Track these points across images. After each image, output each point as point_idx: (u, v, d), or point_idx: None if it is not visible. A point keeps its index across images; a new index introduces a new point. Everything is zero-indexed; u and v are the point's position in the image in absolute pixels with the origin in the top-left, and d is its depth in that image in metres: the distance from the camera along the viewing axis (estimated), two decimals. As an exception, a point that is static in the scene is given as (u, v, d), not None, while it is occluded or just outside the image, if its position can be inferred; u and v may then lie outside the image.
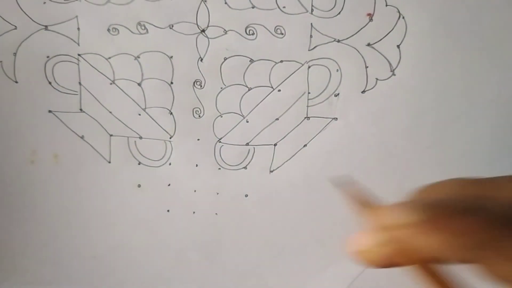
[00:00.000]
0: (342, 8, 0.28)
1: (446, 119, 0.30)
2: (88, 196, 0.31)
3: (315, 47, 0.29)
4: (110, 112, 0.30)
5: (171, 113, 0.30)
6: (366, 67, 0.29)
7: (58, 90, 0.29)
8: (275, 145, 0.30)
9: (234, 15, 0.28)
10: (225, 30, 0.29)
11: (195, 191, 0.31)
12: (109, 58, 0.29)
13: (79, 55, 0.29)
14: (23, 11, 0.28)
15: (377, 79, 0.29)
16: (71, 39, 0.29)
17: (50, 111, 0.30)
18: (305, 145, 0.30)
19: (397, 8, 0.28)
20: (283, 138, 0.30)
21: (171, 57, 0.29)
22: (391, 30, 0.28)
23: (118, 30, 0.29)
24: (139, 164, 0.31)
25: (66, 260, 0.31)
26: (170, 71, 0.29)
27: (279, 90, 0.30)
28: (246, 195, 0.31)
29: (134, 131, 0.30)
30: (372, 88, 0.29)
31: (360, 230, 0.17)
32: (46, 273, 0.32)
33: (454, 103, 0.29)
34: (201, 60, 0.29)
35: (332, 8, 0.28)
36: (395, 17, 0.28)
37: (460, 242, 0.15)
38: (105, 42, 0.29)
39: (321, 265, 0.31)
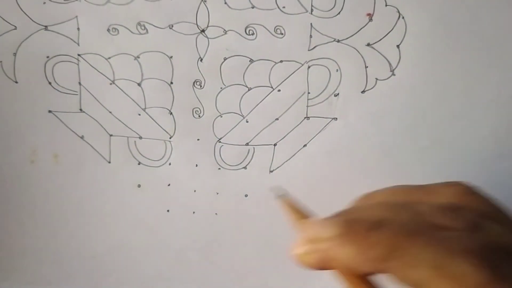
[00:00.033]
0: (342, 8, 0.28)
1: (446, 119, 0.30)
2: (88, 196, 0.31)
3: (315, 47, 0.29)
4: (110, 112, 0.30)
5: (171, 113, 0.30)
6: (366, 67, 0.29)
7: (58, 90, 0.29)
8: (275, 145, 0.30)
9: (234, 15, 0.28)
10: (225, 30, 0.29)
11: (195, 191, 0.31)
12: (109, 58, 0.29)
13: (79, 55, 0.29)
14: (23, 11, 0.28)
15: (377, 79, 0.29)
16: (71, 39, 0.29)
17: (50, 111, 0.30)
18: (305, 145, 0.30)
19: (396, 8, 0.28)
20: (283, 138, 0.30)
21: (171, 57, 0.29)
22: (391, 30, 0.28)
23: (118, 30, 0.29)
24: (139, 164, 0.31)
25: (66, 260, 0.31)
26: (170, 71, 0.29)
27: (279, 90, 0.30)
28: (246, 195, 0.31)
29: (134, 131, 0.30)
30: (372, 88, 0.29)
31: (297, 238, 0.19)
32: (46, 273, 0.32)
33: (454, 103, 0.29)
34: (201, 60, 0.29)
35: (332, 8, 0.28)
36: (394, 17, 0.28)
37: (369, 254, 0.17)
38: (105, 42, 0.29)
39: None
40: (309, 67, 0.29)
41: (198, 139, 0.30)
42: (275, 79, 0.29)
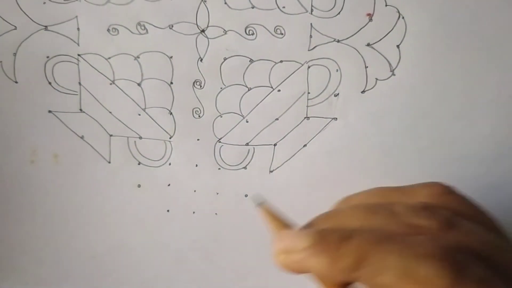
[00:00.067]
0: (342, 8, 0.28)
1: (446, 119, 0.30)
2: (88, 196, 0.31)
3: (314, 47, 0.29)
4: (110, 112, 0.30)
5: (171, 113, 0.30)
6: (366, 67, 0.29)
7: (58, 90, 0.29)
8: (275, 145, 0.30)
9: (234, 15, 0.28)
10: (225, 30, 0.29)
11: (195, 191, 0.31)
12: (109, 58, 0.29)
13: (79, 55, 0.29)
14: (23, 11, 0.28)
15: (376, 79, 0.29)
16: (71, 39, 0.29)
17: (50, 111, 0.30)
18: (305, 145, 0.30)
19: (396, 8, 0.28)
20: (283, 138, 0.30)
21: (171, 57, 0.29)
22: (391, 30, 0.28)
23: (118, 30, 0.29)
24: (139, 164, 0.31)
25: (66, 260, 0.31)
26: (170, 71, 0.29)
27: (279, 90, 0.30)
28: (246, 195, 0.31)
29: (134, 131, 0.30)
30: (372, 88, 0.29)
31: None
32: (46, 273, 0.32)
33: (454, 103, 0.29)
34: (201, 60, 0.29)
35: (331, 8, 0.28)
36: (394, 17, 0.28)
37: (340, 265, 0.18)
38: (105, 42, 0.29)
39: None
40: (309, 67, 0.29)
41: (198, 139, 0.30)
42: (275, 79, 0.29)
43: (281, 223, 0.21)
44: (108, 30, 0.29)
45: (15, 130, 0.30)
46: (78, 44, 0.29)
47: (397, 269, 0.17)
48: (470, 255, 0.17)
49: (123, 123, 0.30)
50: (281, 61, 0.29)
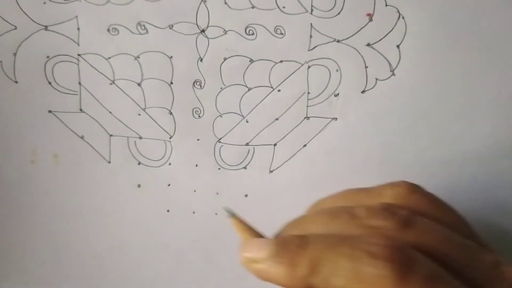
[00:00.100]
0: (342, 8, 0.28)
1: (446, 119, 0.30)
2: (88, 196, 0.31)
3: (315, 47, 0.29)
4: (110, 112, 0.30)
5: (171, 113, 0.30)
6: (366, 67, 0.29)
7: (58, 90, 0.29)
8: (275, 145, 0.30)
9: (234, 15, 0.28)
10: (225, 30, 0.29)
11: (195, 191, 0.31)
12: (109, 58, 0.29)
13: (79, 55, 0.29)
14: (23, 11, 0.28)
15: (376, 79, 0.29)
16: (71, 39, 0.29)
17: (50, 111, 0.30)
18: (305, 145, 0.30)
19: (396, 8, 0.28)
20: (283, 138, 0.30)
21: (171, 57, 0.29)
22: (391, 30, 0.28)
23: (118, 30, 0.29)
24: (139, 164, 0.31)
25: (66, 260, 0.31)
26: (170, 71, 0.29)
27: (279, 90, 0.30)
28: (246, 195, 0.31)
29: (134, 131, 0.30)
30: (372, 88, 0.29)
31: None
32: (46, 273, 0.32)
33: (454, 103, 0.29)
34: (201, 60, 0.29)
35: (332, 8, 0.28)
36: (394, 17, 0.28)
37: (297, 273, 0.18)
38: (105, 42, 0.29)
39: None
40: (309, 67, 0.29)
41: (198, 139, 0.30)
42: (275, 79, 0.29)
43: (252, 234, 0.22)
44: (108, 30, 0.29)
45: (15, 130, 0.30)
46: (78, 44, 0.29)
47: (347, 272, 0.17)
48: (422, 253, 0.18)
49: (123, 123, 0.30)
50: (281, 61, 0.29)
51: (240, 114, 0.30)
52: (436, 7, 0.28)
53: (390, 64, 0.29)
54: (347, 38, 0.29)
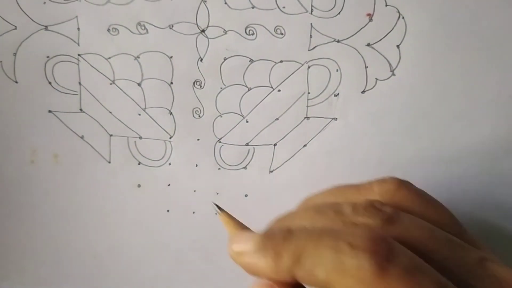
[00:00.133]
0: (342, 8, 0.28)
1: (446, 119, 0.30)
2: (88, 196, 0.31)
3: (315, 47, 0.29)
4: (110, 112, 0.30)
5: (171, 113, 0.30)
6: (366, 67, 0.29)
7: (58, 90, 0.29)
8: (275, 145, 0.30)
9: (234, 15, 0.28)
10: (225, 30, 0.29)
11: (195, 191, 0.31)
12: (109, 58, 0.29)
13: (79, 55, 0.29)
14: (23, 11, 0.28)
15: (377, 79, 0.29)
16: (71, 39, 0.29)
17: (50, 111, 0.30)
18: (305, 145, 0.30)
19: (396, 8, 0.28)
20: (283, 138, 0.30)
21: (171, 57, 0.29)
22: (391, 30, 0.28)
23: (118, 30, 0.29)
24: (139, 164, 0.31)
25: (66, 260, 0.31)
26: (170, 71, 0.29)
27: (279, 90, 0.30)
28: (246, 195, 0.31)
29: (134, 131, 0.30)
30: (372, 88, 0.29)
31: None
32: (46, 273, 0.32)
33: (454, 103, 0.29)
34: (201, 60, 0.29)
35: (332, 8, 0.28)
36: (394, 17, 0.28)
37: (283, 264, 0.18)
38: (105, 42, 0.29)
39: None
40: (309, 67, 0.29)
41: (198, 139, 0.30)
42: (275, 79, 0.29)
43: (240, 229, 0.22)
44: (108, 30, 0.29)
45: (15, 130, 0.30)
46: (78, 44, 0.29)
47: (329, 263, 0.17)
48: (404, 246, 0.18)
49: (123, 123, 0.30)
50: (281, 61, 0.29)
51: (240, 114, 0.30)
52: (436, 7, 0.28)
53: (390, 64, 0.29)
54: (347, 38, 0.29)
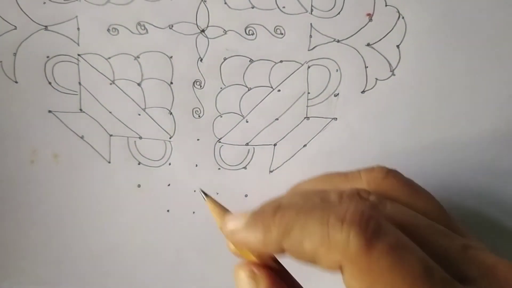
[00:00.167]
0: (342, 8, 0.28)
1: (446, 119, 0.30)
2: (88, 196, 0.31)
3: (314, 47, 0.29)
4: (110, 112, 0.30)
5: (171, 113, 0.30)
6: (366, 67, 0.29)
7: (58, 90, 0.29)
8: (274, 145, 0.30)
9: (234, 15, 0.28)
10: (224, 30, 0.29)
11: (195, 191, 0.31)
12: (109, 58, 0.29)
13: (79, 55, 0.29)
14: (23, 11, 0.28)
15: (376, 79, 0.29)
16: (71, 39, 0.29)
17: (50, 111, 0.30)
18: (304, 145, 0.30)
19: (396, 8, 0.28)
20: (282, 138, 0.30)
21: (171, 57, 0.29)
22: (391, 30, 0.28)
23: (118, 30, 0.29)
24: (139, 164, 0.31)
25: (66, 260, 0.31)
26: (169, 71, 0.29)
27: (279, 90, 0.30)
28: (246, 195, 0.31)
29: (134, 131, 0.30)
30: (372, 88, 0.29)
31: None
32: (46, 273, 0.32)
33: (454, 103, 0.29)
34: (201, 60, 0.29)
35: (331, 8, 0.28)
36: (394, 17, 0.28)
37: (271, 236, 0.19)
38: (105, 42, 0.29)
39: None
40: (309, 67, 0.29)
41: (198, 139, 0.30)
42: (275, 79, 0.29)
43: (226, 214, 0.22)
44: (108, 30, 0.29)
45: (15, 130, 0.30)
46: (78, 44, 0.29)
47: (316, 235, 0.18)
48: (390, 223, 0.18)
49: (123, 123, 0.30)
50: (281, 61, 0.29)
51: (240, 114, 0.30)
52: (436, 7, 0.28)
53: (390, 64, 0.29)
54: (347, 38, 0.29)
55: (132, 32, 0.29)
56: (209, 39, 0.29)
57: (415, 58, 0.29)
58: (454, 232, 0.20)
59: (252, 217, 0.20)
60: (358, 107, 0.30)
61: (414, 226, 0.19)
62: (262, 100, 0.30)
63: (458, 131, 0.30)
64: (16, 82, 0.29)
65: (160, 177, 0.31)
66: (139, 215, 0.31)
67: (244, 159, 0.30)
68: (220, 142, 0.30)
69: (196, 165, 0.31)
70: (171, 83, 0.29)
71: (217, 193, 0.31)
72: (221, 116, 0.30)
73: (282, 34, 0.29)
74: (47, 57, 0.29)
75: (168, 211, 0.31)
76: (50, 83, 0.29)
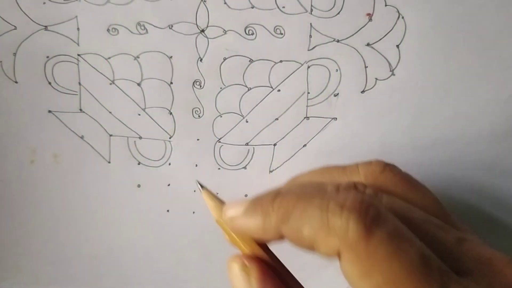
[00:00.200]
0: (342, 8, 0.28)
1: (446, 118, 0.30)
2: (88, 196, 0.31)
3: (314, 47, 0.29)
4: (110, 112, 0.30)
5: (171, 113, 0.30)
6: (366, 67, 0.29)
7: (58, 90, 0.29)
8: (274, 145, 0.30)
9: (234, 15, 0.28)
10: (224, 30, 0.29)
11: (195, 191, 0.31)
12: (109, 58, 0.29)
13: (79, 55, 0.29)
14: (23, 11, 0.28)
15: (376, 79, 0.29)
16: (71, 39, 0.29)
17: (50, 111, 0.30)
18: (304, 145, 0.30)
19: (396, 8, 0.28)
20: (282, 138, 0.30)
21: (171, 57, 0.29)
22: (391, 30, 0.28)
23: (118, 30, 0.29)
24: (138, 164, 0.31)
25: (66, 260, 0.31)
26: (169, 71, 0.29)
27: (279, 90, 0.30)
28: (246, 195, 0.31)
29: (134, 131, 0.30)
30: (372, 88, 0.29)
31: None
32: (46, 273, 0.32)
33: (454, 103, 0.29)
34: (201, 60, 0.29)
35: (331, 8, 0.28)
36: (394, 17, 0.28)
37: (270, 221, 0.19)
38: (105, 42, 0.29)
39: (321, 265, 0.31)
40: (308, 67, 0.29)
41: (198, 139, 0.30)
42: (274, 79, 0.29)
43: (221, 204, 0.23)
44: (108, 30, 0.29)
45: (15, 130, 0.30)
46: (78, 44, 0.29)
47: (315, 221, 0.18)
48: (388, 211, 0.18)
49: (123, 123, 0.30)
50: (280, 61, 0.29)
51: (240, 114, 0.30)
52: (436, 7, 0.28)
53: (389, 64, 0.29)
54: (347, 38, 0.29)
55: (132, 32, 0.29)
56: (209, 39, 0.29)
57: (415, 58, 0.29)
58: (450, 226, 0.20)
59: (252, 203, 0.20)
60: (358, 107, 0.30)
61: (410, 218, 0.19)
62: (262, 100, 0.30)
63: (457, 131, 0.30)
64: (16, 82, 0.29)
65: (160, 177, 0.31)
66: (139, 215, 0.31)
67: (244, 159, 0.31)
68: (220, 142, 0.30)
69: (196, 165, 0.31)
70: (171, 83, 0.29)
71: (217, 193, 0.31)
72: (221, 116, 0.30)
73: (282, 34, 0.29)
74: (47, 57, 0.29)
75: (168, 211, 0.31)
76: (50, 83, 0.29)
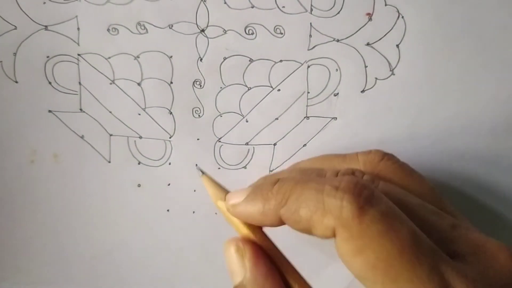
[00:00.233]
0: (342, 8, 0.28)
1: (445, 118, 0.30)
2: (88, 196, 0.31)
3: (314, 47, 0.29)
4: (110, 112, 0.30)
5: (171, 113, 0.30)
6: (366, 66, 0.29)
7: (58, 90, 0.29)
8: (274, 144, 0.30)
9: (234, 15, 0.28)
10: (224, 30, 0.29)
11: (195, 191, 0.31)
12: (109, 58, 0.29)
13: (79, 55, 0.29)
14: (23, 11, 0.28)
15: (376, 78, 0.29)
16: (71, 39, 0.29)
17: (50, 111, 0.30)
18: (304, 145, 0.30)
19: (396, 8, 0.28)
20: (282, 137, 0.30)
21: (171, 57, 0.29)
22: (391, 29, 0.28)
23: (118, 30, 0.29)
24: (139, 163, 0.31)
25: (66, 260, 0.31)
26: (169, 71, 0.29)
27: (279, 90, 0.30)
28: (246, 195, 0.31)
29: (134, 131, 0.30)
30: (372, 87, 0.29)
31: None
32: (46, 273, 0.32)
33: (454, 102, 0.29)
34: (201, 60, 0.29)
35: (331, 8, 0.28)
36: (394, 16, 0.28)
37: (270, 205, 0.20)
38: (105, 42, 0.29)
39: (321, 265, 0.31)
40: (308, 66, 0.29)
41: (198, 139, 0.30)
42: (274, 78, 0.29)
43: (222, 189, 0.23)
44: (108, 30, 0.29)
45: (15, 130, 0.30)
46: (78, 44, 0.29)
47: (311, 202, 0.19)
48: (382, 194, 0.19)
49: (123, 123, 0.30)
50: (280, 61, 0.29)
51: (240, 113, 0.30)
52: (436, 7, 0.28)
53: (389, 64, 0.29)
54: (347, 37, 0.29)
55: (132, 32, 0.29)
56: (209, 39, 0.29)
57: (415, 58, 0.29)
58: (446, 213, 0.21)
59: (252, 190, 0.21)
60: (358, 106, 0.30)
61: (405, 203, 0.20)
62: (262, 99, 0.30)
63: (457, 131, 0.30)
64: (16, 82, 0.29)
65: (160, 177, 0.31)
66: (139, 214, 0.31)
67: (244, 159, 0.31)
68: (220, 141, 0.30)
69: (196, 165, 0.31)
70: (171, 82, 0.30)
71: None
72: (221, 116, 0.30)
73: (282, 33, 0.29)
74: (47, 57, 0.29)
75: (168, 210, 0.31)
76: (50, 83, 0.29)
